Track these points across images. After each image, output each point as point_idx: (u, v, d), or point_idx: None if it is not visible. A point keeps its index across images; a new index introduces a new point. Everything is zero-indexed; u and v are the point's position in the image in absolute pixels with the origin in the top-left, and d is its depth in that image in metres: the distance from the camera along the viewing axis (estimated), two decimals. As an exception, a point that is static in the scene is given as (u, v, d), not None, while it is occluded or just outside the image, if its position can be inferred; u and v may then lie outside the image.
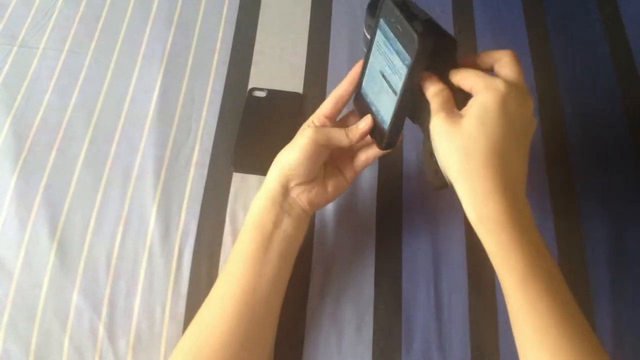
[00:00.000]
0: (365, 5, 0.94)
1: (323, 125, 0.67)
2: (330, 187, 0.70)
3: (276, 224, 0.66)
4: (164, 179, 0.81)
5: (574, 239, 0.77)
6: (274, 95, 0.88)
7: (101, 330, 0.71)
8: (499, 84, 0.55)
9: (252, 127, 0.85)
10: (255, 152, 0.82)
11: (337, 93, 0.68)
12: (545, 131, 0.84)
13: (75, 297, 0.73)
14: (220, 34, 0.95)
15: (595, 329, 0.69)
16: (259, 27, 0.96)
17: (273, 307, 0.67)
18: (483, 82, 0.55)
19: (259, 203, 0.67)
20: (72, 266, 0.75)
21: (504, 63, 0.58)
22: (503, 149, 0.54)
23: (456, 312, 0.73)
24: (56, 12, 0.96)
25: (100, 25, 0.95)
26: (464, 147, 0.54)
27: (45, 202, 0.79)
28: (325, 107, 0.68)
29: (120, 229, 0.78)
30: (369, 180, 0.81)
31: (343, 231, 0.78)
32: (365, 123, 0.65)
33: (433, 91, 0.58)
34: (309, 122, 0.68)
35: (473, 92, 0.56)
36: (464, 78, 0.58)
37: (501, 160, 0.54)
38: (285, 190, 0.67)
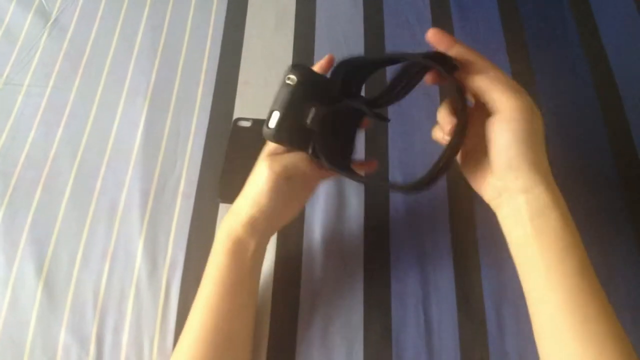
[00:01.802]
0: (347, 33, 0.95)
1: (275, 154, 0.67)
2: (297, 202, 0.71)
3: (253, 252, 0.66)
4: (150, 212, 0.81)
5: None
6: (259, 124, 0.87)
7: (89, 367, 0.71)
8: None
9: (238, 157, 0.85)
10: (241, 182, 0.81)
11: None
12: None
13: (62, 334, 0.73)
14: (204, 66, 0.95)
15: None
16: (243, 57, 0.96)
17: (248, 330, 0.68)
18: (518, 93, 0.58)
19: (233, 232, 0.66)
20: (59, 303, 0.75)
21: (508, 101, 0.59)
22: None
23: (446, 336, 0.72)
24: (40, 49, 0.97)
25: (84, 61, 0.96)
26: (532, 129, 0.56)
27: (31, 238, 0.79)
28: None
29: (107, 264, 0.77)
30: (355, 207, 0.81)
31: (331, 259, 0.78)
32: None
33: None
34: (262, 156, 0.67)
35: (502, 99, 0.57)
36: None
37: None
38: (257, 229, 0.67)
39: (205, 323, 0.63)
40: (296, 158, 0.65)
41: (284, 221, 0.70)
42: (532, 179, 0.57)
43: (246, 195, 0.66)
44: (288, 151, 0.66)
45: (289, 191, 0.65)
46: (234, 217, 0.66)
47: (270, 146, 0.67)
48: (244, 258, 0.66)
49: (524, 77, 0.92)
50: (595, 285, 0.56)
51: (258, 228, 0.66)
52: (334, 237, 0.80)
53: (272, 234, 0.71)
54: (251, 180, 0.66)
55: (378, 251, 0.78)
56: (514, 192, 0.58)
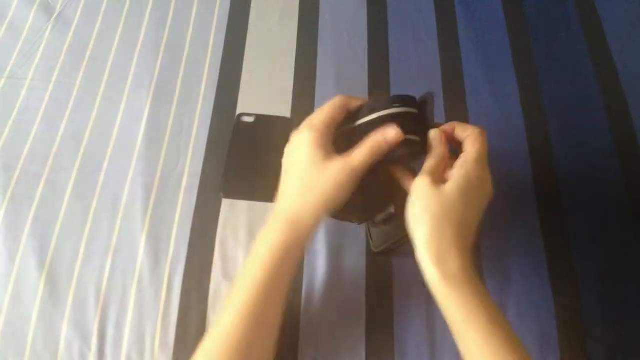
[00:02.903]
0: (350, 30, 0.95)
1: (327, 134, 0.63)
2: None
3: (300, 258, 0.64)
4: (153, 206, 0.81)
5: (567, 278, 0.76)
6: (262, 120, 0.88)
7: (91, 361, 0.71)
8: (484, 167, 0.62)
9: (241, 153, 0.85)
10: (244, 178, 0.82)
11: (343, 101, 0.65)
12: (532, 152, 0.85)
13: (64, 328, 0.73)
14: (208, 60, 0.95)
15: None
16: (246, 52, 0.96)
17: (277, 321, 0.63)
18: (479, 153, 0.62)
19: (290, 239, 0.61)
20: (61, 297, 0.75)
21: (474, 139, 0.63)
22: (467, 217, 0.61)
23: (449, 336, 0.72)
24: (44, 43, 0.97)
25: (87, 55, 0.96)
26: (440, 210, 0.59)
27: (33, 233, 0.79)
28: (334, 114, 0.64)
29: (110, 258, 0.77)
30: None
31: (333, 262, 0.78)
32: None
33: (436, 153, 0.63)
34: (317, 141, 0.62)
35: (466, 149, 0.62)
36: (463, 130, 0.64)
37: (464, 227, 0.60)
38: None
39: (234, 330, 0.59)
40: (367, 155, 0.61)
41: (330, 209, 0.64)
42: (424, 261, 0.59)
43: (310, 200, 0.61)
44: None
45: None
46: (290, 226, 0.61)
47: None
48: (290, 268, 0.62)
49: (527, 76, 0.92)
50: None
51: (314, 225, 0.62)
52: (337, 250, 0.79)
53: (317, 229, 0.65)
54: (316, 184, 0.61)
55: (381, 265, 0.78)
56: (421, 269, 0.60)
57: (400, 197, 0.65)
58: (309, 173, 0.61)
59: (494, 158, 0.83)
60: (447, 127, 0.65)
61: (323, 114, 0.64)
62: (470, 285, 0.58)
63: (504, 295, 0.75)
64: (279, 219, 0.62)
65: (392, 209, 0.70)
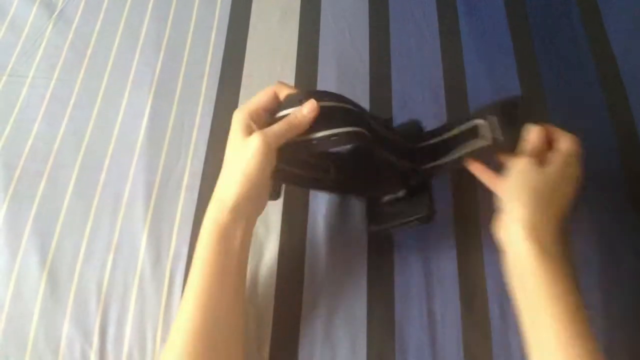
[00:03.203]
0: (352, 27, 0.95)
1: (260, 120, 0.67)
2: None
3: (241, 239, 0.65)
4: (155, 204, 0.81)
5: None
6: (264, 118, 0.88)
7: (92, 358, 0.71)
8: (578, 161, 0.68)
9: (242, 151, 0.85)
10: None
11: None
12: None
13: (66, 325, 0.73)
14: (209, 58, 0.95)
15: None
16: (248, 50, 0.96)
17: (238, 322, 0.67)
18: (573, 148, 0.67)
19: (219, 220, 0.64)
20: (62, 295, 0.75)
21: (569, 139, 0.68)
22: (562, 200, 0.67)
23: (450, 331, 0.72)
24: (45, 41, 0.97)
25: (89, 53, 0.96)
26: (542, 188, 0.64)
27: (35, 231, 0.79)
28: (265, 99, 0.68)
29: (111, 256, 0.77)
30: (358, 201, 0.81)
31: (334, 252, 0.78)
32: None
33: (534, 141, 0.67)
34: (242, 121, 0.65)
35: (560, 147, 0.68)
36: (556, 131, 0.69)
37: (560, 209, 0.66)
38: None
39: (195, 316, 0.61)
40: (283, 127, 0.64)
41: (265, 203, 0.69)
42: (517, 234, 0.63)
43: (230, 176, 0.64)
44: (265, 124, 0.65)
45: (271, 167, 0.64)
46: (218, 204, 0.64)
47: (249, 112, 0.66)
48: (232, 246, 0.64)
49: (529, 73, 0.92)
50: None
51: (244, 212, 0.64)
52: (338, 229, 0.79)
53: (257, 217, 0.69)
54: (235, 158, 0.64)
55: (382, 244, 0.78)
56: (506, 243, 0.65)
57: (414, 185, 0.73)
58: (231, 150, 0.66)
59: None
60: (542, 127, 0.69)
61: (252, 99, 0.68)
62: (560, 263, 0.61)
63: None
64: (212, 200, 0.66)
65: (401, 193, 0.74)
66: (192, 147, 0.86)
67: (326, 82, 0.92)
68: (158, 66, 0.94)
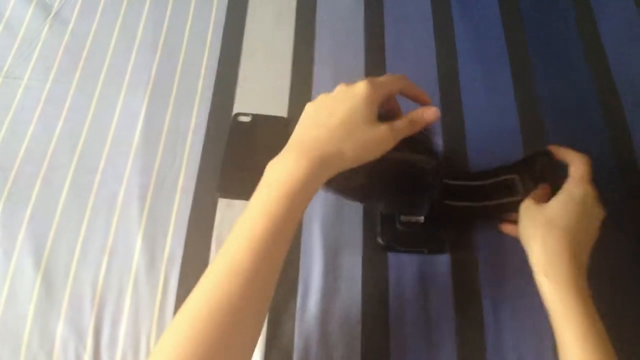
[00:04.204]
0: (347, 29, 0.95)
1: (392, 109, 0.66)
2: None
3: (312, 194, 0.59)
4: (149, 206, 0.81)
5: None
6: (259, 120, 0.88)
7: (87, 360, 0.71)
8: (587, 185, 0.69)
9: (238, 152, 0.85)
10: (240, 177, 0.82)
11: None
12: (526, 150, 0.85)
13: (60, 327, 0.73)
14: (205, 60, 0.95)
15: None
16: (243, 52, 0.96)
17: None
18: (581, 173, 0.70)
19: (308, 168, 0.56)
20: (57, 296, 0.75)
21: (577, 163, 0.71)
22: (574, 230, 0.66)
23: (444, 331, 0.73)
24: (41, 42, 0.97)
25: (84, 54, 0.96)
26: (544, 224, 0.67)
27: (30, 232, 0.79)
28: (398, 86, 0.65)
29: (106, 258, 0.77)
30: (355, 210, 0.82)
31: (329, 253, 0.78)
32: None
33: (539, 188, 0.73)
34: (375, 104, 0.61)
35: (570, 172, 0.71)
36: (567, 155, 0.73)
37: (572, 239, 0.66)
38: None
39: (244, 288, 0.53)
40: (408, 126, 0.63)
41: (359, 161, 0.61)
42: (535, 273, 0.66)
43: (356, 145, 0.59)
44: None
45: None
46: (335, 156, 0.58)
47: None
48: (302, 206, 0.58)
49: (523, 74, 0.93)
50: None
51: (337, 167, 0.59)
52: (333, 230, 0.80)
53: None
54: (366, 135, 0.60)
55: (376, 245, 0.78)
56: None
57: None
58: (353, 124, 0.60)
59: (487, 155, 0.83)
60: (552, 149, 0.75)
61: (387, 82, 0.64)
62: (575, 295, 0.62)
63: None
64: (302, 154, 0.58)
65: (421, 219, 0.77)
66: (187, 149, 0.86)
67: (322, 83, 0.92)
68: (154, 68, 0.94)
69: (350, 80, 0.89)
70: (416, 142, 0.65)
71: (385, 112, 0.65)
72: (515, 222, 0.73)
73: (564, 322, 0.62)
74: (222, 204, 0.82)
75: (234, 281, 0.53)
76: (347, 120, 0.60)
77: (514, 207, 0.72)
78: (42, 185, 0.83)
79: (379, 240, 0.78)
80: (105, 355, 0.71)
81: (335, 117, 0.60)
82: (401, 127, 0.62)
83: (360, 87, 0.61)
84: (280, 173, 0.57)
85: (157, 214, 0.81)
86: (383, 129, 0.60)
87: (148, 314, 0.74)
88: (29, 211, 0.81)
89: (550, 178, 0.74)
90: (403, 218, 0.77)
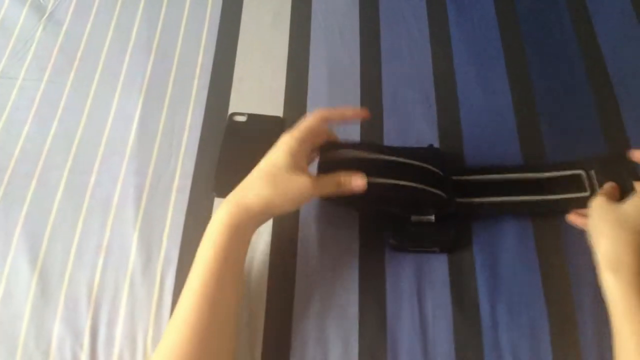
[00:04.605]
0: (343, 29, 0.95)
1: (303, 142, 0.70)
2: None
3: (249, 237, 0.70)
4: (145, 206, 0.81)
5: (560, 277, 0.76)
6: (254, 119, 0.88)
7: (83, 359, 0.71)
8: None
9: (233, 152, 0.85)
10: (236, 176, 0.81)
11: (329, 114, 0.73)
12: (523, 150, 0.86)
13: (56, 327, 0.73)
14: (200, 60, 0.95)
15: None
16: (238, 52, 0.96)
17: (235, 317, 0.68)
18: None
19: (237, 216, 0.67)
20: (53, 296, 0.74)
21: None
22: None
23: (441, 331, 0.72)
24: (35, 43, 0.97)
25: (79, 55, 0.96)
26: (617, 221, 0.69)
27: (25, 232, 0.79)
28: (315, 125, 0.71)
29: (101, 258, 0.77)
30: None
31: (325, 253, 0.78)
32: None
33: (608, 184, 0.77)
34: (294, 152, 0.68)
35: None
36: None
37: (637, 236, 0.68)
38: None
39: (196, 309, 0.62)
40: (332, 186, 0.70)
41: (282, 210, 0.70)
42: (601, 266, 0.68)
43: (269, 194, 0.67)
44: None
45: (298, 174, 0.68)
46: (238, 206, 0.67)
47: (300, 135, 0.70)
48: (243, 242, 0.68)
49: (519, 75, 0.93)
50: None
51: (261, 214, 0.68)
52: (329, 230, 0.80)
53: (266, 220, 0.74)
54: (275, 187, 0.67)
55: (374, 244, 0.78)
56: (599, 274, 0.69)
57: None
58: (274, 174, 0.68)
59: (484, 156, 0.84)
60: (634, 153, 0.77)
61: (303, 125, 0.71)
62: (639, 293, 0.64)
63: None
64: (231, 203, 0.67)
65: (432, 218, 0.77)
66: (182, 149, 0.86)
67: (317, 83, 0.92)
68: (148, 68, 0.94)
69: (344, 82, 0.91)
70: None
71: (328, 159, 0.75)
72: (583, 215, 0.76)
73: (624, 318, 0.64)
74: (218, 203, 0.81)
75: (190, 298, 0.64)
76: (270, 170, 0.68)
77: (579, 204, 0.77)
78: (37, 186, 0.82)
79: (391, 240, 0.77)
80: (101, 355, 0.71)
81: (260, 168, 0.69)
82: (325, 184, 0.70)
83: (281, 140, 0.70)
84: (219, 214, 0.67)
85: (153, 214, 0.81)
86: (304, 179, 0.67)
87: (144, 314, 0.73)
88: (24, 211, 0.80)
89: (620, 180, 0.77)
90: (414, 218, 0.77)
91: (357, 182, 0.70)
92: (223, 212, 0.67)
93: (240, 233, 0.67)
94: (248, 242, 0.69)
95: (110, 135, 0.87)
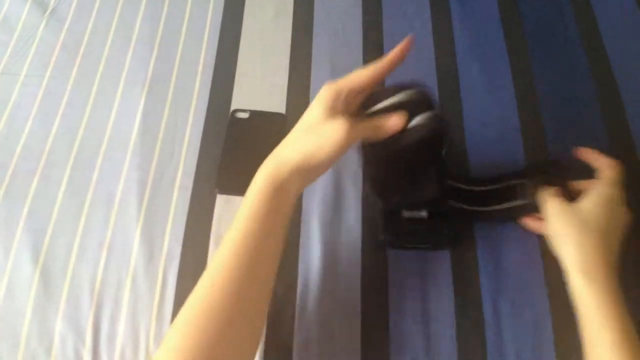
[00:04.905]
0: (345, 26, 0.95)
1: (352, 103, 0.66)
2: None
3: (293, 200, 0.65)
4: (147, 202, 0.81)
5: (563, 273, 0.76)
6: (257, 116, 0.88)
7: (85, 356, 0.71)
8: (616, 188, 0.72)
9: (236, 149, 0.85)
10: (239, 173, 0.82)
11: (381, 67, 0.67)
12: (526, 147, 0.85)
13: (59, 323, 0.73)
14: (202, 57, 0.95)
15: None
16: (241, 49, 0.96)
17: (268, 290, 0.64)
18: (610, 176, 0.73)
19: (279, 177, 0.62)
20: (55, 292, 0.75)
21: (607, 167, 0.74)
22: (606, 231, 0.69)
23: (444, 329, 0.73)
24: (37, 39, 0.97)
25: (81, 51, 0.95)
26: (579, 223, 0.69)
27: (28, 229, 0.79)
28: (363, 80, 0.66)
29: (104, 254, 0.77)
30: (353, 198, 0.82)
31: (328, 250, 0.78)
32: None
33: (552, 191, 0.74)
34: (331, 99, 0.63)
35: (599, 176, 0.74)
36: (596, 160, 0.76)
37: (605, 240, 0.68)
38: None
39: (230, 266, 0.59)
40: (370, 129, 0.65)
41: (319, 160, 0.64)
42: (567, 269, 0.68)
43: (305, 144, 0.63)
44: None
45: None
46: (278, 162, 0.63)
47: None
48: (285, 204, 0.63)
49: (522, 72, 0.93)
50: None
51: (300, 169, 0.62)
52: (332, 228, 0.80)
53: (311, 179, 0.67)
54: (311, 136, 0.63)
55: (376, 242, 0.78)
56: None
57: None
58: (309, 124, 0.64)
59: (487, 153, 0.84)
60: (582, 152, 0.77)
61: (349, 78, 0.65)
62: (611, 293, 0.64)
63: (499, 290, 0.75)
64: (268, 160, 0.64)
65: (424, 213, 0.76)
66: (185, 145, 0.86)
67: (319, 80, 0.92)
68: (151, 64, 0.94)
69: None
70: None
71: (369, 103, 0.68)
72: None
73: (598, 320, 0.63)
74: (221, 200, 0.82)
75: (224, 276, 0.59)
76: (305, 121, 0.65)
77: (523, 212, 0.77)
78: (39, 182, 0.82)
79: (383, 237, 0.77)
80: (104, 351, 0.71)
81: (297, 125, 0.65)
82: (362, 127, 0.64)
83: (320, 92, 0.64)
84: (258, 174, 0.63)
85: (155, 210, 0.81)
86: (340, 121, 0.62)
87: (147, 310, 0.74)
88: (26, 208, 0.80)
89: (559, 183, 0.75)
90: (406, 214, 0.77)
91: (394, 122, 0.64)
92: (261, 170, 0.63)
93: (281, 190, 0.62)
94: (290, 200, 0.64)
95: (112, 131, 0.87)
